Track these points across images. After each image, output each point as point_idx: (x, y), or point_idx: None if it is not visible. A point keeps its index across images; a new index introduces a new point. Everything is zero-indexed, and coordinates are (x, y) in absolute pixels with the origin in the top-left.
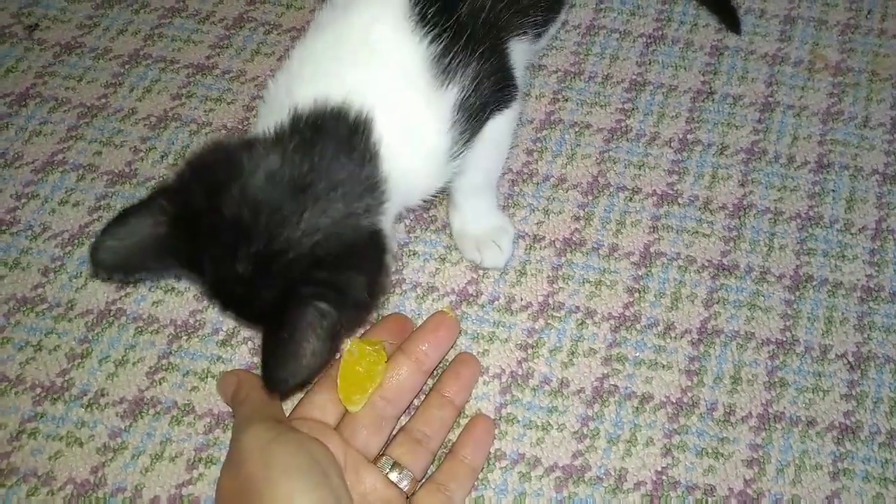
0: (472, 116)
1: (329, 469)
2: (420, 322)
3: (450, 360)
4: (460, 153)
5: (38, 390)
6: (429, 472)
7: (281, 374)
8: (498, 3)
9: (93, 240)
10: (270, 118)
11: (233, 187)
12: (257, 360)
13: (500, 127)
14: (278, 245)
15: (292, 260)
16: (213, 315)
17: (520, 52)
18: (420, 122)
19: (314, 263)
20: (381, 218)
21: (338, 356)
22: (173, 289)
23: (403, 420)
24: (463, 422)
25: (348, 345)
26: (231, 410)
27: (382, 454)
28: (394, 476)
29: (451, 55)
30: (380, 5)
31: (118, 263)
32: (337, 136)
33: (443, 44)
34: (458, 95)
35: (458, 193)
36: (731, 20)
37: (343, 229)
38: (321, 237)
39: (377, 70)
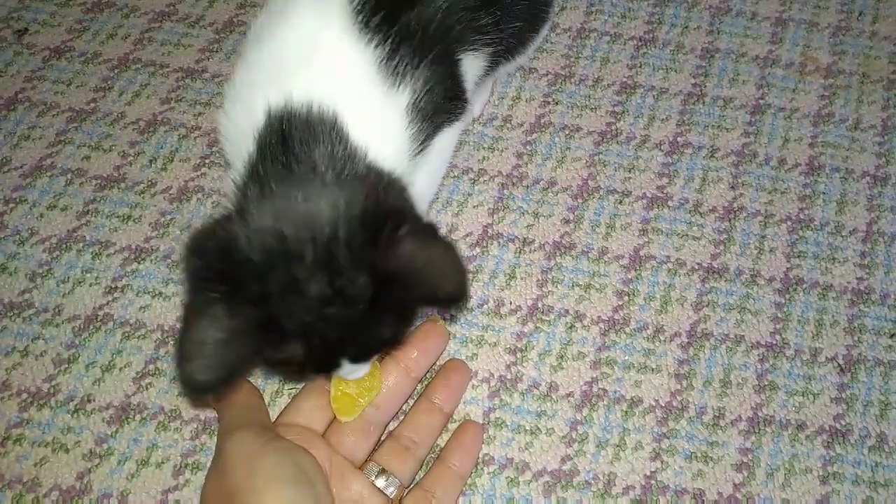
0: (426, 119)
1: (314, 478)
2: None
3: (440, 364)
4: (418, 152)
5: (24, 396)
6: (417, 478)
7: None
8: (449, 16)
9: (176, 370)
10: (238, 151)
11: (240, 235)
12: None
13: (445, 138)
14: (319, 233)
15: (347, 241)
16: None
17: (474, 67)
18: (382, 119)
19: (356, 226)
20: None
21: None
22: (160, 294)
23: (392, 425)
24: (451, 426)
25: None
26: (215, 413)
27: (369, 460)
28: (380, 482)
29: (397, 59)
30: (321, 16)
31: (214, 380)
32: (313, 144)
33: (388, 48)
34: (410, 98)
35: None
36: None
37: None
38: (338, 207)
39: (332, 74)
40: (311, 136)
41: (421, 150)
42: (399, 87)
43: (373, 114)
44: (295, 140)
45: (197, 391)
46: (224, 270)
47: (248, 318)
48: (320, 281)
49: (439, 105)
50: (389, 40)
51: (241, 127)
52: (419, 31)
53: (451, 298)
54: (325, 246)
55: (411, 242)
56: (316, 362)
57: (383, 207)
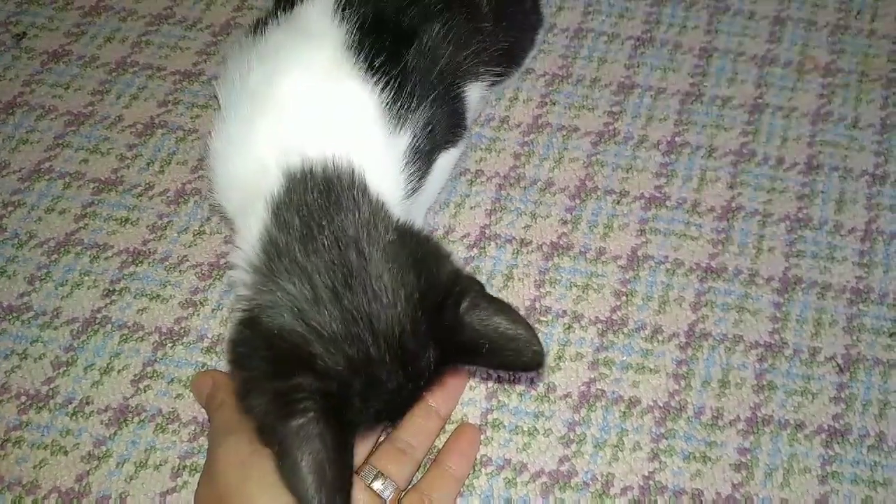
0: (422, 159)
1: None
2: None
3: None
4: (412, 194)
5: (24, 398)
6: (414, 480)
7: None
8: (460, 52)
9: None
10: (243, 213)
11: (315, 345)
12: None
13: (445, 159)
14: (391, 333)
15: (414, 331)
16: (198, 322)
17: (475, 95)
18: (383, 165)
19: (419, 314)
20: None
21: None
22: (158, 296)
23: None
24: (449, 427)
25: None
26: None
27: (366, 463)
28: (377, 485)
29: (401, 100)
30: (319, 61)
31: (347, 496)
32: (342, 209)
33: (392, 91)
34: (409, 141)
35: None
36: None
37: (399, 266)
38: (400, 300)
39: (344, 124)
40: (335, 199)
41: (416, 190)
42: (400, 130)
43: (383, 156)
44: (319, 206)
45: None
46: (311, 387)
47: (340, 426)
48: (398, 375)
49: (438, 142)
50: (393, 81)
51: (246, 187)
52: (422, 72)
53: (529, 367)
54: (398, 342)
55: (478, 314)
56: (378, 425)
57: (440, 285)
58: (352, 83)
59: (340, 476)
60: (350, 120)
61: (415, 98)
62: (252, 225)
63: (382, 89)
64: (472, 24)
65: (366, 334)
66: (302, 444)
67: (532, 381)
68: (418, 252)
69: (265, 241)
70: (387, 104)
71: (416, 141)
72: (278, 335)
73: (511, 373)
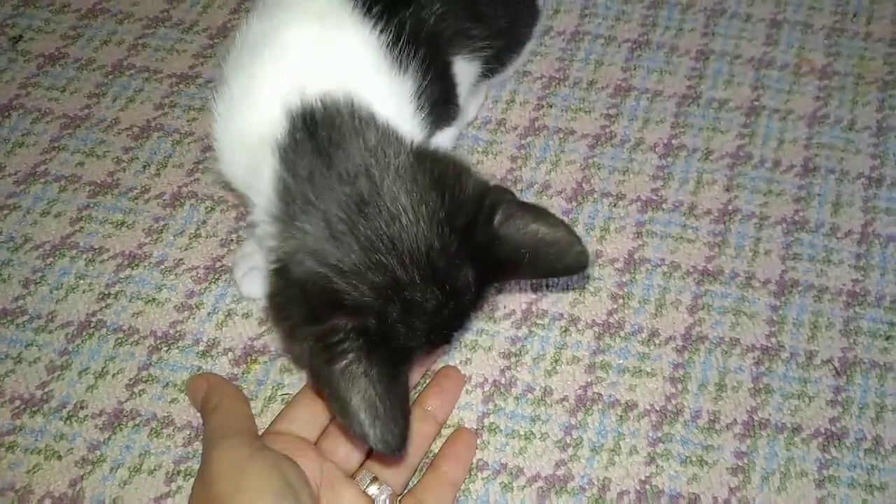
0: (427, 112)
1: (300, 491)
2: None
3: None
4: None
5: (17, 403)
6: (410, 484)
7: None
8: (442, 20)
9: (371, 441)
10: (251, 171)
11: (340, 283)
12: (237, 370)
13: (441, 141)
14: (417, 252)
15: (443, 247)
16: (194, 325)
17: (467, 72)
18: (398, 102)
19: (446, 231)
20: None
21: None
22: (154, 300)
23: None
24: (445, 431)
25: None
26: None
27: (362, 468)
28: (372, 490)
29: (400, 46)
30: (319, 11)
31: (404, 431)
32: (331, 136)
33: (391, 35)
34: (414, 85)
35: None
36: None
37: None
38: (422, 220)
39: (344, 61)
40: (342, 131)
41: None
42: (404, 73)
43: (390, 96)
44: (323, 141)
45: (401, 448)
46: (346, 326)
47: (386, 356)
48: (434, 295)
49: (435, 102)
50: (391, 29)
51: (252, 140)
52: (413, 30)
53: (573, 269)
54: (428, 262)
55: (514, 223)
56: (431, 348)
57: (467, 202)
58: (350, 26)
59: (393, 408)
60: (350, 58)
61: (412, 51)
62: (264, 175)
63: (381, 32)
64: (471, 3)
65: (389, 258)
66: (349, 385)
67: (577, 283)
68: (438, 170)
69: (278, 188)
70: (387, 45)
71: (420, 89)
72: (306, 280)
73: (555, 278)
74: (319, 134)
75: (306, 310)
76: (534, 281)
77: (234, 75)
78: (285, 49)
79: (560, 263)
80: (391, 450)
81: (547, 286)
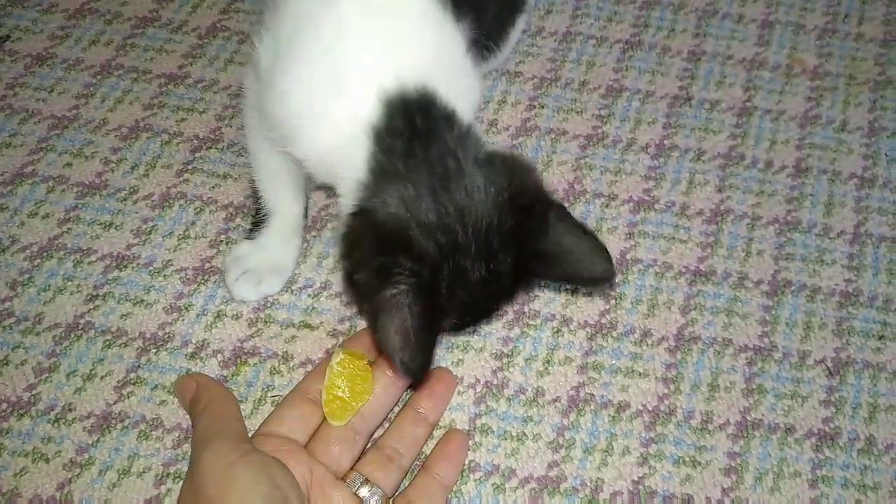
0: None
1: (290, 494)
2: None
3: None
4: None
5: (4, 405)
6: (402, 486)
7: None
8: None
9: (394, 359)
10: (352, 160)
11: (414, 232)
12: (226, 372)
13: None
14: (479, 224)
15: (499, 226)
16: (183, 327)
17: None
18: (461, 92)
19: (505, 213)
20: None
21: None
22: (142, 301)
23: (377, 434)
24: (437, 433)
25: (338, 357)
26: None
27: (352, 470)
28: (363, 493)
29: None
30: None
31: (425, 364)
32: (441, 127)
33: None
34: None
35: None
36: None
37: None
38: (489, 198)
39: (428, 52)
40: (435, 120)
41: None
42: (471, 74)
43: (461, 94)
44: (420, 127)
45: (415, 375)
46: (407, 265)
47: (429, 304)
48: (481, 268)
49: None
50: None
51: (342, 125)
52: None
53: (600, 280)
54: (485, 235)
55: (560, 226)
56: (457, 329)
57: (528, 192)
58: (440, 14)
59: (421, 342)
60: (438, 53)
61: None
62: (354, 153)
63: (457, 20)
64: None
65: (456, 224)
66: (392, 310)
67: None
68: (508, 164)
69: (371, 165)
70: (465, 37)
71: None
72: (388, 220)
73: (579, 286)
74: (415, 121)
75: (379, 244)
76: (560, 286)
77: (317, 61)
78: (382, 38)
79: (588, 273)
80: (410, 374)
81: (558, 290)
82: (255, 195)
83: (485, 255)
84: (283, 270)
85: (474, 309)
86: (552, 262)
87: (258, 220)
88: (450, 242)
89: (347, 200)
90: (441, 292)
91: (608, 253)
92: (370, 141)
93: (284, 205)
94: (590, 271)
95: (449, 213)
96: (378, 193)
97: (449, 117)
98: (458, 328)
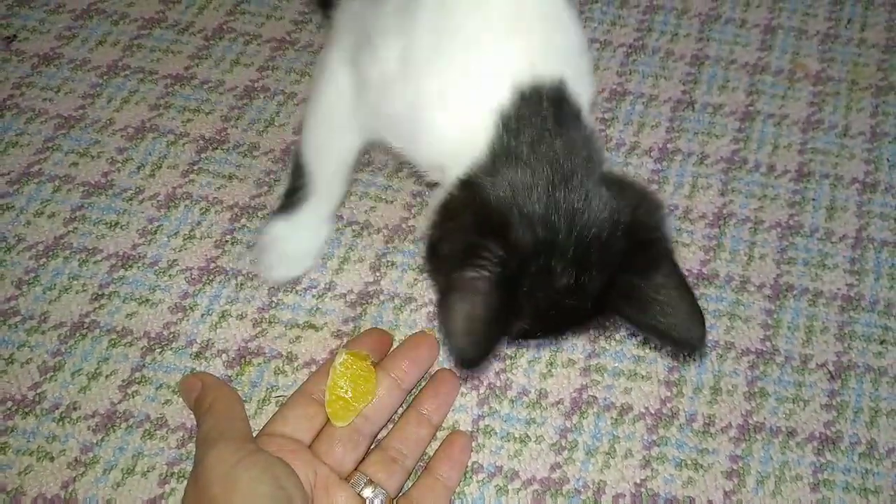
0: None
1: (294, 494)
2: (397, 331)
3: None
4: None
5: (10, 404)
6: (405, 487)
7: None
8: None
9: (448, 342)
10: (462, 142)
11: (515, 219)
12: (231, 372)
13: None
14: (585, 231)
15: (605, 243)
16: (188, 327)
17: None
18: (586, 72)
19: (617, 234)
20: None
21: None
22: (147, 301)
23: (380, 435)
24: (440, 434)
25: (341, 358)
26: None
27: (356, 471)
28: (367, 493)
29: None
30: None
31: (483, 356)
32: (568, 123)
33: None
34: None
35: None
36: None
37: (606, 195)
38: (607, 211)
39: (558, 45)
40: (565, 114)
41: None
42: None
43: (581, 79)
44: (550, 119)
45: (467, 366)
46: (497, 251)
47: (507, 299)
48: (570, 275)
49: None
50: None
51: (470, 113)
52: None
53: (685, 344)
54: (587, 245)
55: (668, 276)
56: (524, 336)
57: (650, 228)
58: (572, 11)
59: (485, 335)
60: (570, 43)
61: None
62: (479, 141)
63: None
64: None
65: (561, 223)
66: (465, 293)
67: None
68: (638, 191)
69: (494, 146)
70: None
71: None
72: (495, 200)
73: (661, 344)
74: (547, 112)
75: (478, 222)
76: (635, 335)
77: (449, 48)
78: (517, 28)
79: (678, 335)
80: (461, 362)
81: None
82: (295, 172)
83: (579, 264)
84: (314, 253)
85: (549, 319)
86: (644, 308)
87: (292, 199)
88: (548, 239)
89: (455, 173)
90: (523, 289)
91: (704, 321)
92: (498, 124)
93: (331, 187)
94: (680, 334)
95: (559, 209)
96: (493, 172)
97: (577, 115)
98: (526, 336)
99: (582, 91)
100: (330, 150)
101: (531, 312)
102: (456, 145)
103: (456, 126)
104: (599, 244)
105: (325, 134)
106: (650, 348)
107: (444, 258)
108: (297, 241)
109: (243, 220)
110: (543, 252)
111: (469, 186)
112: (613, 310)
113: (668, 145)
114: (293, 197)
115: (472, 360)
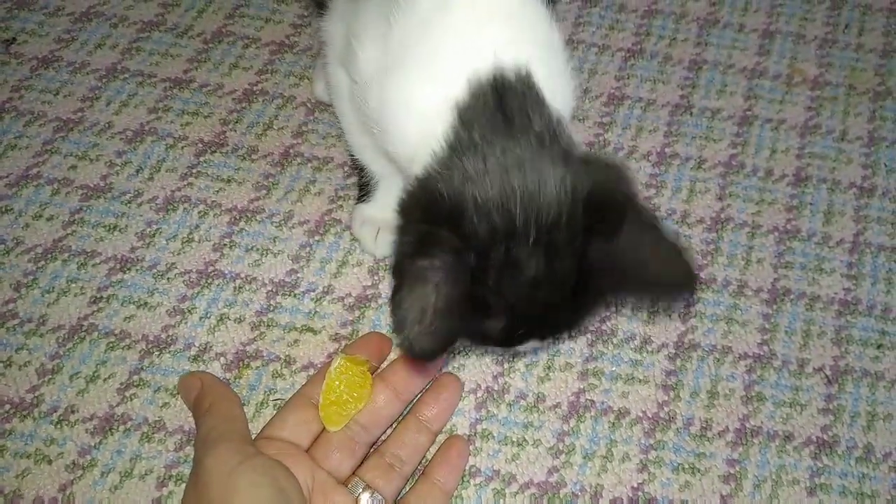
0: None
1: (292, 498)
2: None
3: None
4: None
5: (7, 407)
6: (403, 492)
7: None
8: None
9: (397, 332)
10: (422, 131)
11: (468, 207)
12: (229, 375)
13: None
14: (543, 214)
15: (568, 223)
16: (186, 330)
17: None
18: (559, 67)
19: (579, 210)
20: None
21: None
22: (146, 304)
23: (380, 438)
24: (438, 438)
25: (336, 362)
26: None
27: (354, 476)
28: (364, 499)
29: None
30: None
31: (435, 349)
32: (530, 110)
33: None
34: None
35: None
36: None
37: (573, 173)
38: (564, 190)
39: (526, 32)
40: (524, 101)
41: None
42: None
43: (557, 75)
44: (511, 106)
45: (417, 357)
46: (449, 239)
47: (466, 290)
48: (538, 262)
49: None
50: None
51: (430, 101)
52: None
53: (677, 286)
54: (548, 227)
55: (634, 225)
56: (506, 338)
57: (609, 195)
58: (545, 8)
59: (438, 327)
60: (533, 31)
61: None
62: (437, 135)
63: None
64: None
65: (517, 209)
66: (415, 283)
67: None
68: (600, 165)
69: (450, 138)
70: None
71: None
72: (440, 190)
73: (658, 298)
74: (506, 101)
75: (431, 213)
76: (636, 306)
77: (415, 48)
78: (479, 25)
79: (665, 279)
80: (411, 353)
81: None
82: (356, 167)
83: (544, 251)
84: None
85: (527, 315)
86: (625, 273)
87: (366, 189)
88: (504, 226)
89: (417, 169)
90: (487, 283)
91: (688, 255)
92: (455, 117)
93: (389, 170)
94: (669, 278)
95: (513, 194)
96: (449, 165)
97: (541, 103)
98: (508, 336)
99: (558, 88)
100: (365, 145)
101: (504, 309)
102: (418, 140)
103: (417, 122)
104: (560, 225)
105: (355, 131)
106: (652, 312)
107: (400, 251)
108: (386, 216)
109: (242, 224)
110: (503, 241)
111: (424, 180)
112: (597, 291)
113: (666, 149)
114: (366, 188)
115: (422, 351)
